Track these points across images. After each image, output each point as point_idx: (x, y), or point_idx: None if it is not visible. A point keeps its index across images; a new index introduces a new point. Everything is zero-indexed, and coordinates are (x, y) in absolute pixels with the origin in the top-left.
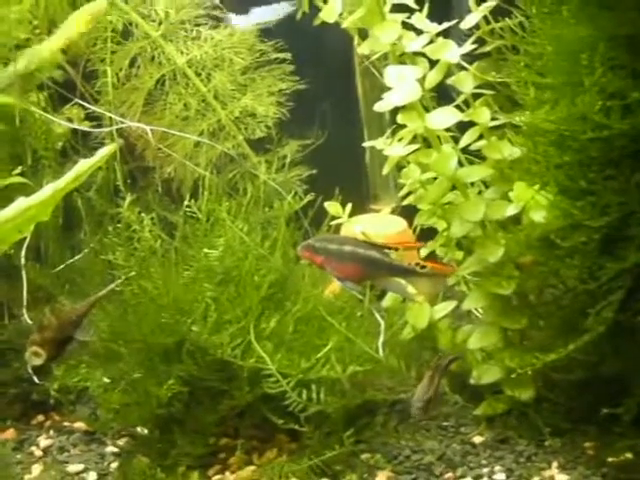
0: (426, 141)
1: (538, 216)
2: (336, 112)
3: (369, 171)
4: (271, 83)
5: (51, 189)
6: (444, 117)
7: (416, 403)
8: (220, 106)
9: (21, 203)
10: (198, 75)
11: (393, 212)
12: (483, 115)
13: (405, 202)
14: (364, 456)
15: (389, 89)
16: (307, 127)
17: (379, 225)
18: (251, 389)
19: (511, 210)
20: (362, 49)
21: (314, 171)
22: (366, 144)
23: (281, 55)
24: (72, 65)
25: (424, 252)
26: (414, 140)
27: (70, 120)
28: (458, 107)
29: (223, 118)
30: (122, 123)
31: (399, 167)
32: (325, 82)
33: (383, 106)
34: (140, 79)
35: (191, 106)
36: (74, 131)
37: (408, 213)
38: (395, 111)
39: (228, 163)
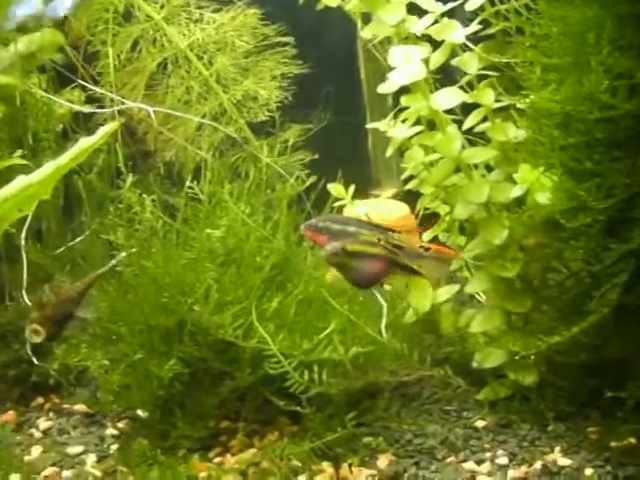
0: (429, 124)
1: (543, 198)
2: (338, 97)
3: (372, 156)
4: (273, 67)
5: (52, 167)
6: (449, 97)
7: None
8: (222, 89)
9: (21, 181)
10: (200, 58)
11: (394, 197)
12: (488, 96)
13: (407, 187)
14: (366, 439)
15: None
16: (309, 111)
17: (381, 210)
18: (253, 370)
19: (516, 192)
20: (365, 32)
21: (316, 156)
22: (369, 126)
23: (284, 39)
24: (73, 47)
25: (427, 238)
26: (417, 123)
27: (71, 102)
28: (462, 89)
29: (225, 102)
30: (123, 104)
31: (402, 152)
32: (328, 66)
33: (387, 87)
34: (142, 62)
35: (193, 89)
36: (75, 113)
37: (410, 199)
38: (398, 95)
39: (230, 147)
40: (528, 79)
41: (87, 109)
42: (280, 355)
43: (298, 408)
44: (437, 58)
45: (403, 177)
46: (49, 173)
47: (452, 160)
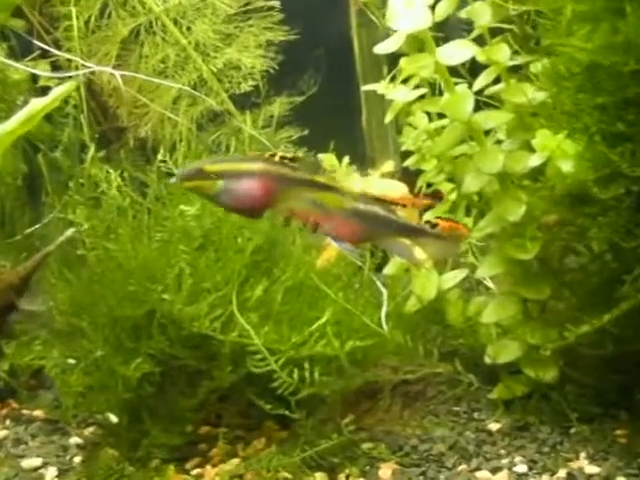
0: (432, 89)
1: (567, 166)
2: (329, 67)
3: (365, 132)
4: (258, 33)
5: None
6: (459, 51)
7: None
8: (202, 58)
9: None
10: (177, 24)
11: (391, 176)
12: (502, 53)
13: (406, 163)
14: (365, 446)
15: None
16: (296, 83)
17: (378, 189)
18: (234, 369)
19: (534, 160)
20: None
21: (305, 132)
22: (364, 88)
23: (269, 2)
24: (34, 9)
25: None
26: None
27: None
28: None
29: (205, 72)
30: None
31: (399, 128)
32: (317, 33)
33: (386, 46)
34: (112, 28)
35: (169, 59)
36: (36, 84)
37: (408, 178)
38: (393, 62)
39: (210, 121)
40: (552, 29)
41: (46, 73)
42: (265, 351)
43: (287, 412)
44: (444, 7)
45: (402, 151)
46: None
47: (462, 125)
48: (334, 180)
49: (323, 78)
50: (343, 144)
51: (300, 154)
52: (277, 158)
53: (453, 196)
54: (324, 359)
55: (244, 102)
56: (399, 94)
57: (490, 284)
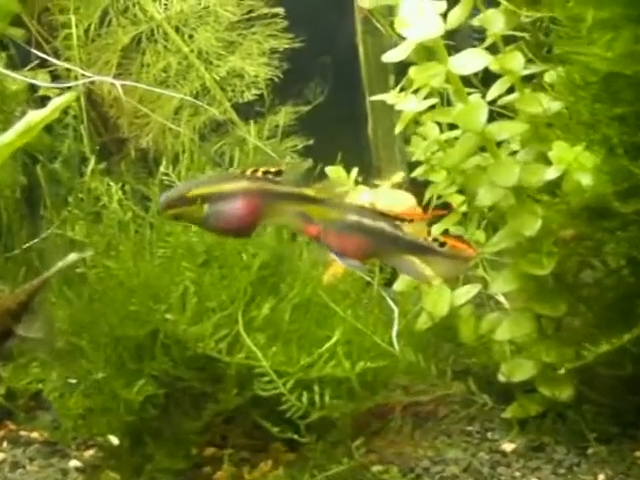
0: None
1: (586, 179)
2: (334, 76)
3: (371, 142)
4: (262, 40)
5: None
6: (471, 60)
7: None
8: (204, 67)
9: None
10: (179, 32)
11: (398, 187)
12: (516, 61)
13: (414, 174)
14: (375, 469)
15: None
16: (301, 92)
17: (385, 200)
18: (240, 391)
19: (551, 173)
20: (363, 1)
21: (310, 142)
22: (373, 98)
23: (273, 10)
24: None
25: (436, 232)
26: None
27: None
28: None
29: (208, 80)
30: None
31: (406, 138)
32: (322, 42)
33: (394, 55)
34: (112, 36)
35: (171, 67)
36: (35, 94)
37: (415, 189)
38: (400, 72)
39: (213, 131)
40: (568, 36)
41: (45, 83)
42: (273, 373)
43: (296, 436)
44: (456, 15)
45: (409, 163)
46: None
47: (475, 136)
48: (322, 192)
49: (328, 87)
50: (348, 154)
51: (285, 165)
52: (260, 173)
53: (463, 208)
54: (334, 381)
55: (247, 111)
56: (409, 104)
57: (502, 299)
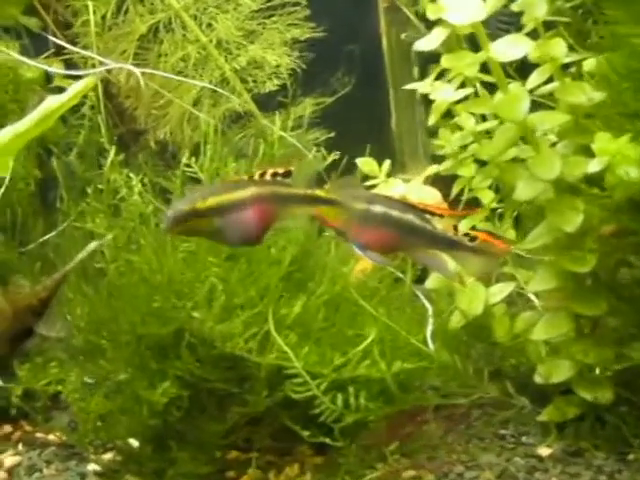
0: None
1: (634, 172)
2: (356, 67)
3: (395, 135)
4: (283, 30)
5: (9, 134)
6: (512, 47)
7: None
8: (224, 57)
9: None
10: (197, 20)
11: (426, 181)
12: (558, 48)
13: (441, 168)
14: (407, 474)
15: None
16: (325, 84)
17: (414, 195)
18: (270, 393)
19: (594, 166)
20: None
21: (331, 134)
22: (404, 87)
23: None
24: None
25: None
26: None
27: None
28: None
29: (227, 71)
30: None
31: (430, 132)
32: (344, 32)
33: (428, 42)
34: (129, 25)
35: (190, 57)
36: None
37: (439, 185)
38: (425, 64)
39: (234, 122)
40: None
41: (60, 70)
42: (305, 374)
43: (328, 440)
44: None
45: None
46: (5, 142)
47: (516, 126)
48: (334, 192)
49: (351, 78)
50: (371, 147)
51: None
52: (269, 175)
53: (492, 204)
54: (368, 382)
55: (268, 103)
56: (445, 93)
57: (532, 297)
